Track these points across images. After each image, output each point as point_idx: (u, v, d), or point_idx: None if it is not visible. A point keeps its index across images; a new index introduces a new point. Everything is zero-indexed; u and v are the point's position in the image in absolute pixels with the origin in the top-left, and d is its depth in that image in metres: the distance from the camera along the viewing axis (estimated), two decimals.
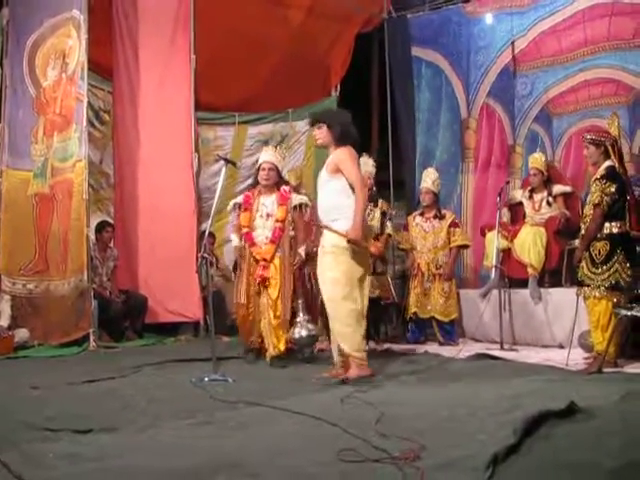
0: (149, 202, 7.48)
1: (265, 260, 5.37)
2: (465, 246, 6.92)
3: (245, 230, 5.49)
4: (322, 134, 4.51)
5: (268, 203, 5.50)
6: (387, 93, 9.18)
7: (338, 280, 4.39)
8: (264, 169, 5.51)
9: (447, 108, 8.60)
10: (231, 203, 5.72)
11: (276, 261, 5.37)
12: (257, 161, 5.83)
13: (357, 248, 4.38)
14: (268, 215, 5.42)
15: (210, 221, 5.52)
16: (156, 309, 7.41)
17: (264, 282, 5.35)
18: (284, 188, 5.59)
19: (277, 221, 5.43)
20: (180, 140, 7.58)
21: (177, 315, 7.48)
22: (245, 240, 5.49)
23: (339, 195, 4.41)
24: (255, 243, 5.43)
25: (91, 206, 7.55)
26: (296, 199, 5.66)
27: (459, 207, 8.41)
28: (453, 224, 6.82)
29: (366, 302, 4.54)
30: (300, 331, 5.56)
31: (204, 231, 5.97)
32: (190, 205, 7.47)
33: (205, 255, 5.02)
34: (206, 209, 7.80)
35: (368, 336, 6.59)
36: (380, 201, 6.91)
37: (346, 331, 4.42)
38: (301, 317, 5.60)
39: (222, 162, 5.32)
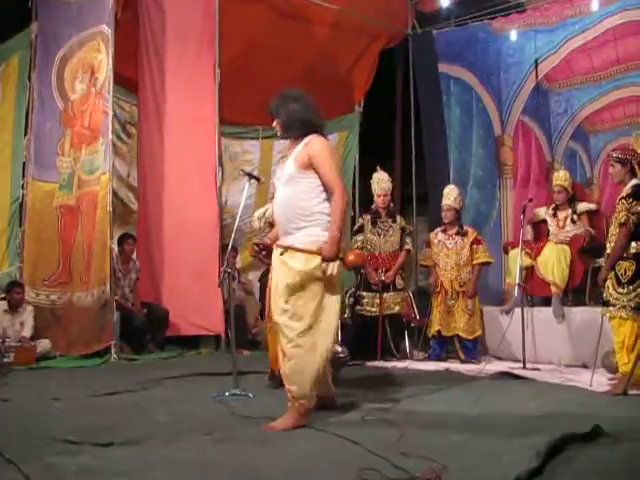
0: (172, 215, 7.51)
1: None
2: (488, 263, 6.87)
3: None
4: (275, 125, 3.85)
5: None
6: (411, 108, 9.20)
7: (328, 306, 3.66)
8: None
9: (479, 125, 8.59)
10: (255, 215, 5.57)
11: None
12: None
13: (330, 272, 3.57)
14: None
15: (233, 235, 5.48)
16: (178, 322, 7.43)
17: None
18: None
19: None
20: (204, 154, 7.62)
21: (198, 328, 7.49)
22: None
23: (309, 196, 3.64)
24: None
25: (119, 220, 7.63)
26: None
27: (498, 224, 8.39)
28: (476, 241, 6.78)
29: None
30: None
31: (227, 245, 5.98)
32: (213, 219, 7.49)
33: (228, 270, 5.01)
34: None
35: (388, 353, 6.67)
36: (399, 217, 6.96)
37: (315, 372, 3.64)
38: None
39: (248, 178, 5.26)
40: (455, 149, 8.72)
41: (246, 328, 7.82)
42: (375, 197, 6.89)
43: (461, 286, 6.66)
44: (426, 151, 8.97)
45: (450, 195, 6.86)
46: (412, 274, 8.61)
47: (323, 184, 3.62)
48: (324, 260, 3.52)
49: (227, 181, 8.73)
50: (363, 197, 8.60)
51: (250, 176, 5.26)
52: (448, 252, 6.77)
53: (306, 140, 3.69)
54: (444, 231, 6.88)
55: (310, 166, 3.62)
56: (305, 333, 3.57)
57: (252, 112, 8.87)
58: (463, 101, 8.72)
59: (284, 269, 3.64)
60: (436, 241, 6.89)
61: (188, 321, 7.46)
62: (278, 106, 3.80)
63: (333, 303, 3.65)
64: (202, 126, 7.60)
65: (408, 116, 9.26)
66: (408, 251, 6.93)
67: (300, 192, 3.64)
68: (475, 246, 6.75)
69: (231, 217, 8.38)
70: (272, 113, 3.84)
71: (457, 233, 6.80)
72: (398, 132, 10.46)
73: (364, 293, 6.77)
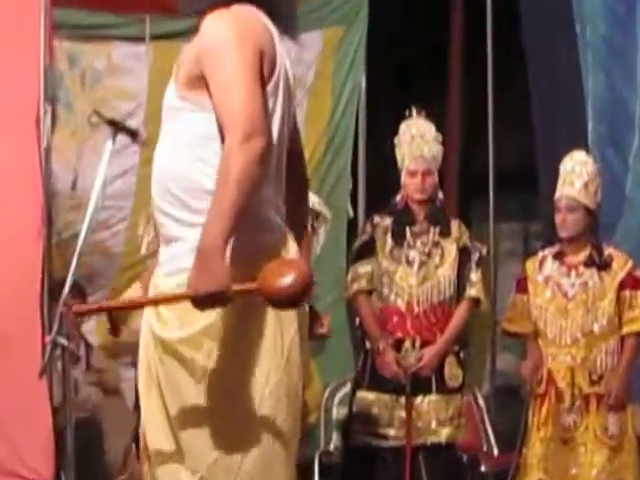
0: None
1: None
2: None
3: None
4: None
5: None
6: None
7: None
8: None
9: None
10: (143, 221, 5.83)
11: None
12: None
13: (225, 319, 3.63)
14: None
15: (75, 259, 5.44)
16: None
17: None
18: None
19: None
20: (17, 74, 7.62)
21: None
22: None
23: (198, 152, 3.76)
24: None
25: None
26: None
27: None
28: (630, 280, 6.80)
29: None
30: None
31: (61, 281, 5.94)
32: (33, 220, 7.48)
33: (60, 340, 5.00)
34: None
35: None
36: (455, 225, 7.04)
37: None
38: None
39: (113, 131, 5.29)
40: (597, 74, 8.76)
41: (104, 470, 7.83)
42: (404, 177, 6.97)
43: (594, 383, 6.68)
44: (532, 82, 9.09)
45: (575, 176, 6.89)
46: (484, 354, 8.65)
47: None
48: (194, 305, 3.52)
49: (76, 134, 8.74)
50: (375, 178, 8.64)
51: (114, 126, 5.31)
52: (567, 304, 6.80)
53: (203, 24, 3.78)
54: (560, 257, 6.94)
55: (198, 82, 3.70)
56: None
57: None
58: None
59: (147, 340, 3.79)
60: (540, 278, 6.94)
61: None
62: None
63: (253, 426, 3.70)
64: (10, 10, 7.59)
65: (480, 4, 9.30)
66: (475, 301, 6.96)
67: (181, 143, 3.77)
68: (630, 292, 6.77)
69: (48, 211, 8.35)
70: None
71: (588, 262, 6.84)
72: (457, 42, 10.52)
73: (371, 396, 6.81)
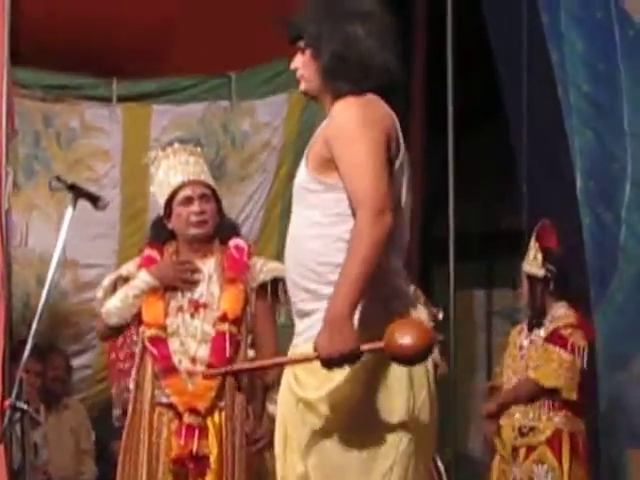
0: None
1: (196, 413, 5.26)
2: (555, 393, 6.92)
3: (152, 333, 5.33)
4: (304, 65, 3.94)
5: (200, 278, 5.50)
6: (447, 34, 9.14)
7: None
8: (190, 199, 5.38)
9: (633, 69, 8.69)
10: (107, 280, 5.64)
11: (216, 417, 5.30)
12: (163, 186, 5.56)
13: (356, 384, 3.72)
14: (199, 305, 5.37)
15: (36, 321, 5.44)
16: None
17: (196, 467, 5.21)
18: (238, 242, 5.56)
19: (224, 319, 5.30)
20: None
21: None
22: (155, 362, 5.34)
23: (333, 226, 3.82)
24: (173, 370, 5.30)
25: None
26: (266, 270, 5.54)
27: None
28: (554, 337, 6.92)
29: None
30: None
31: (22, 341, 5.90)
32: None
33: (21, 405, 5.07)
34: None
35: None
36: (410, 289, 7.08)
37: None
38: None
39: (74, 196, 5.36)
40: (584, 132, 8.72)
41: None
42: None
43: (524, 435, 6.87)
44: (514, 131, 9.13)
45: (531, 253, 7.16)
46: (447, 411, 8.78)
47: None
48: (324, 365, 3.63)
49: (56, 193, 8.76)
50: None
51: (77, 192, 5.41)
52: (516, 367, 7.08)
53: (332, 111, 3.85)
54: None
55: (329, 164, 3.78)
56: None
57: (92, 42, 9.00)
58: (590, 20, 8.82)
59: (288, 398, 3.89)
60: (517, 342, 7.21)
61: None
62: (319, 24, 3.88)
63: None
64: None
65: (438, 52, 9.35)
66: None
67: (315, 223, 3.84)
68: (550, 346, 6.90)
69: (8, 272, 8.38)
70: (298, 37, 3.93)
71: (529, 326, 7.07)
72: (418, 103, 10.59)
73: None
